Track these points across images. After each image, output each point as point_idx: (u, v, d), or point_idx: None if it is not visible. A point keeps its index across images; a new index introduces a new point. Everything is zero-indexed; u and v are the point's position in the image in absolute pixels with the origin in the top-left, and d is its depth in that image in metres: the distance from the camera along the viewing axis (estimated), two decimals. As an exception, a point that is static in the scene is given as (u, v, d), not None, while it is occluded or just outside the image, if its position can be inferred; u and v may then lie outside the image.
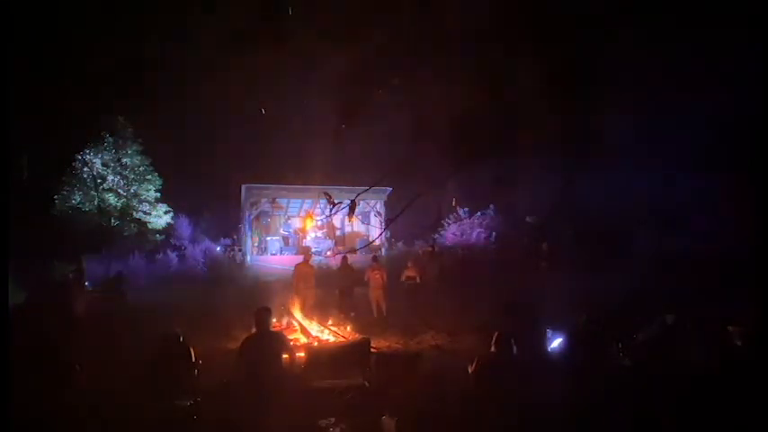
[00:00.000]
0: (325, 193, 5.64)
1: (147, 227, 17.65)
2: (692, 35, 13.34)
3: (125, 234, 17.00)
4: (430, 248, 10.87)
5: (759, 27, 11.37)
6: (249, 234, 15.83)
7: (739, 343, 4.30)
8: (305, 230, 16.62)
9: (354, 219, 14.51)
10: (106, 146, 17.02)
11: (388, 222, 14.27)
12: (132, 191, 17.46)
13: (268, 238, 16.23)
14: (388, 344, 7.72)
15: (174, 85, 17.32)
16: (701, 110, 12.86)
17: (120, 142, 17.27)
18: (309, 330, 7.35)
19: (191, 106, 17.04)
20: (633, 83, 14.46)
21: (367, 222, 17.64)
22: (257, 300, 7.41)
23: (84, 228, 16.10)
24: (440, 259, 11.16)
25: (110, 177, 17.06)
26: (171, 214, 18.17)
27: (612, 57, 14.99)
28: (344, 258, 9.99)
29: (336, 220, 16.93)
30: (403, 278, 9.99)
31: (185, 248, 15.66)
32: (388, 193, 15.75)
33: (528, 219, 15.80)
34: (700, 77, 13.16)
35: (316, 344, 6.67)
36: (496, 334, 4.16)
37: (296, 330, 7.46)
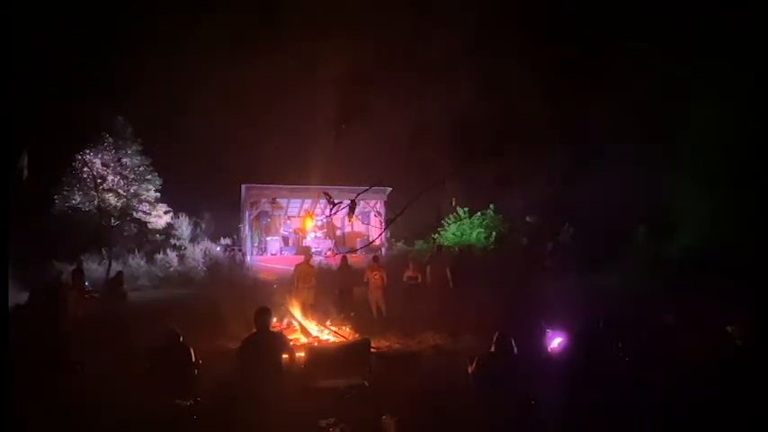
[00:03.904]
0: (325, 193, 5.62)
1: (147, 227, 17.66)
2: (695, 37, 13.35)
3: (125, 234, 17.01)
4: (437, 249, 10.74)
5: (760, 31, 11.39)
6: (249, 234, 15.82)
7: (739, 343, 4.31)
8: (305, 230, 16.62)
9: (354, 219, 14.51)
10: (106, 146, 17.03)
11: (388, 222, 14.25)
12: (132, 191, 17.47)
13: (268, 238, 16.22)
14: (388, 344, 7.71)
15: (175, 85, 17.30)
16: (701, 111, 12.87)
17: (120, 142, 17.28)
18: (309, 330, 7.35)
19: (191, 106, 17.03)
20: (634, 83, 14.46)
21: (367, 222, 17.63)
22: (257, 300, 7.40)
23: (84, 228, 16.10)
24: (441, 259, 11.06)
25: (110, 177, 17.07)
26: (171, 214, 18.16)
27: (614, 56, 15.00)
28: (344, 258, 9.98)
29: (336, 220, 16.92)
30: (405, 278, 9.99)
31: (185, 248, 15.66)
32: (388, 193, 15.75)
33: (528, 219, 15.80)
34: (701, 79, 13.16)
35: (316, 344, 6.66)
36: (496, 334, 4.17)
37: (296, 330, 7.46)
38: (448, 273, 9.48)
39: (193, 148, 18.43)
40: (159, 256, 14.97)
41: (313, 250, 12.06)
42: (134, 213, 17.44)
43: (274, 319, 5.90)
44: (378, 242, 15.02)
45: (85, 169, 16.68)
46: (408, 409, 4.39)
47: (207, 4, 16.96)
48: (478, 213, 15.80)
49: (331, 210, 5.26)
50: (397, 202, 15.54)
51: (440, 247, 11.06)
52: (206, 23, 15.93)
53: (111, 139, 17.07)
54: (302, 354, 5.29)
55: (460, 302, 8.88)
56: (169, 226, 17.96)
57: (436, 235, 15.75)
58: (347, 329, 7.57)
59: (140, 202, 17.66)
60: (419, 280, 9.88)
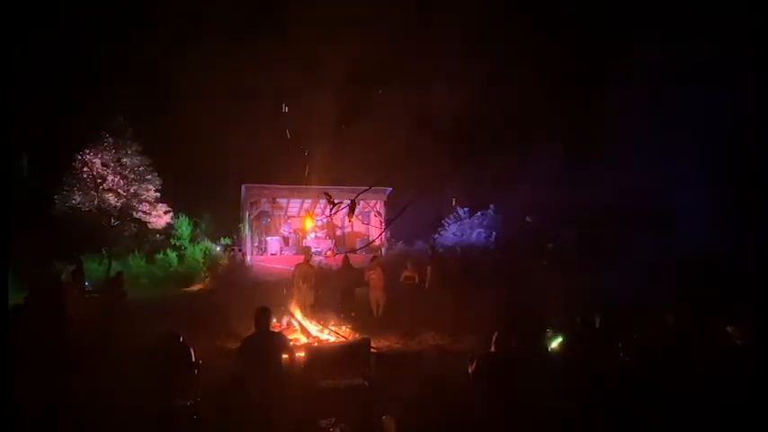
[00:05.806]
0: (325, 193, 5.63)
1: (147, 227, 17.66)
2: (695, 34, 13.34)
3: (125, 234, 17.02)
4: (430, 250, 10.80)
5: (761, 30, 11.39)
6: (249, 234, 15.82)
7: (739, 343, 4.30)
8: (305, 230, 16.61)
9: (354, 219, 14.50)
10: (106, 146, 17.03)
11: (388, 222, 14.25)
12: (132, 191, 17.47)
13: (268, 238, 16.22)
14: (388, 344, 7.71)
15: (174, 85, 17.31)
16: (702, 110, 12.87)
17: (120, 142, 17.28)
18: (309, 330, 7.35)
19: (191, 106, 17.04)
20: (636, 82, 14.46)
21: (367, 222, 17.62)
22: (257, 300, 7.41)
23: (84, 228, 16.11)
24: (439, 260, 11.07)
25: (110, 177, 17.07)
26: (171, 214, 18.16)
27: (614, 56, 15.01)
28: (345, 258, 9.98)
29: (336, 220, 16.91)
30: (402, 278, 9.98)
31: (185, 248, 15.66)
32: (388, 192, 15.74)
33: (528, 219, 15.78)
34: (701, 78, 13.16)
35: (316, 344, 6.67)
36: (496, 334, 4.16)
37: (296, 330, 7.47)
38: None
39: (193, 148, 18.44)
40: (159, 256, 14.96)
41: (313, 250, 12.05)
42: (134, 213, 17.43)
43: (274, 320, 5.90)
44: (378, 242, 15.02)
45: (85, 169, 16.68)
46: (408, 409, 4.39)
47: (207, 4, 16.97)
48: (478, 213, 15.79)
49: (331, 210, 5.27)
50: (397, 202, 15.54)
51: (433, 248, 11.12)
52: (206, 23, 15.95)
53: (111, 139, 17.07)
54: (302, 354, 5.30)
55: (460, 302, 8.88)
56: (169, 226, 17.95)
57: (436, 235, 15.74)
58: (347, 329, 7.57)
59: (140, 202, 17.65)
60: (416, 280, 9.86)
